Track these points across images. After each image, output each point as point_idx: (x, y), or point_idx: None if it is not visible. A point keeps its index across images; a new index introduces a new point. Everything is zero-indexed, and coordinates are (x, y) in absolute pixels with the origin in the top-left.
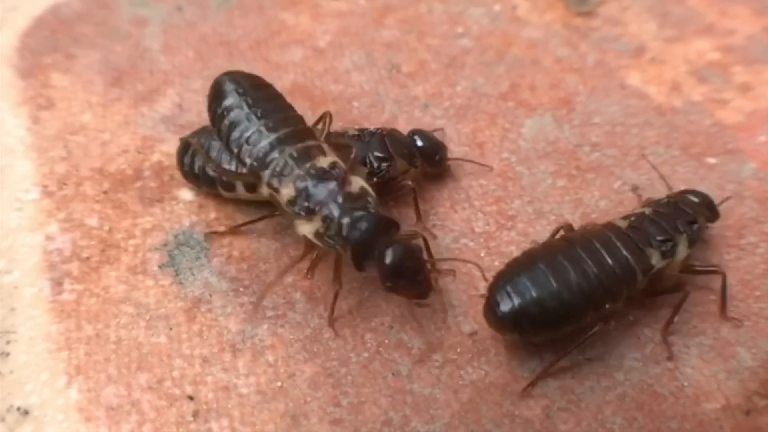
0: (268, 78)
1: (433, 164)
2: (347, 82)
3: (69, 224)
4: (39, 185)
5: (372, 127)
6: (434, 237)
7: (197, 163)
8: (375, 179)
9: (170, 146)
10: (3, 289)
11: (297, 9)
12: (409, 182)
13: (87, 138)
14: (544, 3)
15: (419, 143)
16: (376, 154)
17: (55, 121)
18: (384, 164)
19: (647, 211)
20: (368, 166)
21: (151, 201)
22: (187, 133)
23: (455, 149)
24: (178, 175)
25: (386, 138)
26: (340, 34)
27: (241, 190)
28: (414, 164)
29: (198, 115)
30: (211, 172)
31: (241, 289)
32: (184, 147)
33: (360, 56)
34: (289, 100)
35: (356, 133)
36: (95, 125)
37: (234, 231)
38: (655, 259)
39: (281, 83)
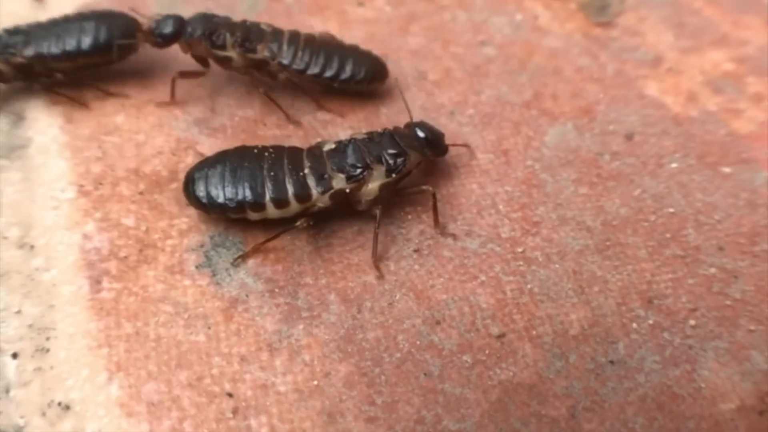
0: None
1: (438, 151)
2: (375, 89)
3: (106, 224)
4: (75, 184)
5: (379, 129)
6: (455, 238)
7: (206, 192)
8: (394, 175)
9: (204, 148)
10: (41, 286)
11: (324, 15)
12: (429, 188)
13: (122, 139)
14: (564, 13)
15: (422, 134)
16: (390, 151)
17: (89, 121)
18: (399, 159)
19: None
20: (385, 164)
21: (186, 202)
22: (219, 136)
23: (481, 156)
24: None
25: (395, 135)
26: (367, 40)
27: (271, 208)
28: (426, 154)
29: (230, 119)
30: (221, 200)
31: (277, 290)
32: (190, 178)
33: (387, 63)
34: (316, 105)
35: (366, 136)
36: (129, 126)
37: (258, 249)
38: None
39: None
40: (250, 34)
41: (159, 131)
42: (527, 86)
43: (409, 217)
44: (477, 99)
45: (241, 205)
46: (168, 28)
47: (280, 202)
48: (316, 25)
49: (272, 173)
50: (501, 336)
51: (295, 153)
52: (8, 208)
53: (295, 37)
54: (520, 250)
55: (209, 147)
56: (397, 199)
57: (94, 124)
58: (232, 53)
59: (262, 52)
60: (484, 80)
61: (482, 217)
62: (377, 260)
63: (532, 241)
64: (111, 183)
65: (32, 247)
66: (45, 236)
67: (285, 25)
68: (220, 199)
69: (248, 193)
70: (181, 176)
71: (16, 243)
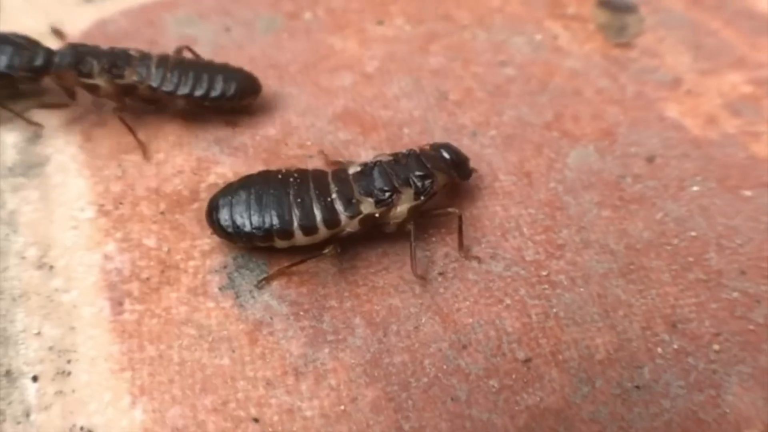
0: (319, 102)
1: (463, 174)
2: (397, 109)
3: (127, 244)
4: (95, 204)
5: (404, 149)
6: (479, 261)
7: (232, 220)
8: (423, 198)
9: (225, 168)
10: (61, 307)
11: (344, 34)
12: (456, 210)
13: (141, 158)
14: (583, 33)
15: (449, 156)
16: (418, 173)
17: (107, 140)
18: (427, 182)
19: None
20: (413, 186)
21: None
22: (240, 155)
23: (503, 178)
24: None
25: (421, 157)
26: (387, 59)
27: (299, 235)
28: (452, 176)
29: (251, 138)
30: (248, 229)
31: (302, 313)
32: (213, 206)
33: (408, 83)
34: (339, 125)
35: (391, 158)
36: (149, 145)
37: (283, 272)
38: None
39: (333, 108)
40: (117, 60)
41: (179, 150)
42: (548, 107)
43: (434, 239)
44: (498, 120)
45: (269, 234)
46: (37, 61)
47: (309, 229)
48: (336, 43)
49: (299, 199)
50: (527, 360)
51: (320, 177)
52: (26, 227)
53: (163, 60)
54: (544, 273)
55: (230, 166)
56: (422, 221)
57: (113, 142)
58: (99, 81)
59: (131, 77)
60: (505, 101)
61: (506, 240)
62: (419, 275)
63: (556, 264)
64: (131, 203)
65: (51, 267)
66: (64, 257)
67: (304, 44)
68: (247, 228)
69: (276, 221)
70: (203, 196)
71: (34, 263)
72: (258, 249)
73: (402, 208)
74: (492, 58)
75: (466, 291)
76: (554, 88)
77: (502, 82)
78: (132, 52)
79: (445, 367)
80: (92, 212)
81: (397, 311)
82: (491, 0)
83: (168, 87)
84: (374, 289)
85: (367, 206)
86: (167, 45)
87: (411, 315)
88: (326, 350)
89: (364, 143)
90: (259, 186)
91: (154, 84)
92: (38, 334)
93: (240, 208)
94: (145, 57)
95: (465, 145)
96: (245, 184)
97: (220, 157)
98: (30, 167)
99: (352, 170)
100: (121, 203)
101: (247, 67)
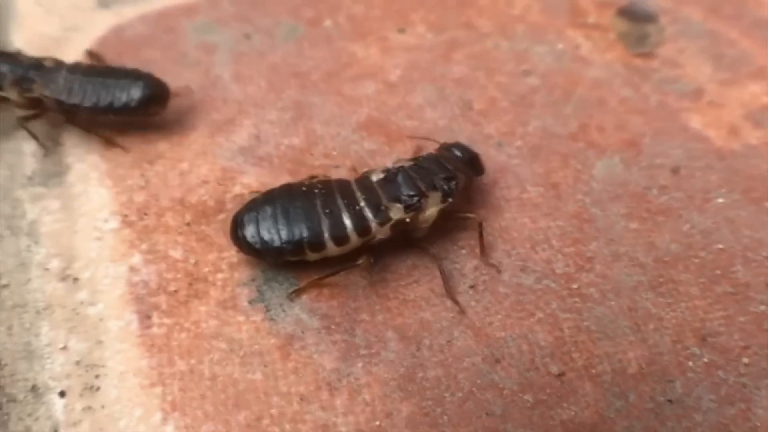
0: (343, 111)
1: (478, 170)
2: (421, 119)
3: (153, 256)
4: (118, 214)
5: (424, 152)
6: (498, 271)
7: (259, 236)
8: (450, 200)
9: (250, 179)
10: (87, 321)
11: (365, 42)
12: (475, 215)
13: (165, 167)
14: (604, 43)
15: (462, 154)
16: (442, 176)
17: (129, 148)
18: (452, 183)
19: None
20: (440, 189)
21: None
22: (265, 165)
23: (531, 190)
24: None
25: (442, 159)
26: (410, 68)
27: (331, 246)
28: (470, 175)
29: (275, 148)
30: (278, 244)
31: (333, 327)
32: (238, 222)
33: (431, 92)
34: (364, 134)
35: (412, 162)
36: (172, 154)
37: (315, 284)
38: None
39: (357, 117)
40: (28, 72)
41: (203, 159)
42: (572, 117)
43: (463, 251)
44: (524, 130)
45: (300, 247)
46: None
47: (340, 238)
48: (357, 51)
49: (327, 210)
50: (561, 375)
51: (344, 186)
52: (48, 238)
53: (74, 69)
54: (575, 286)
55: (256, 176)
56: (444, 224)
57: (135, 150)
58: (10, 93)
59: (39, 90)
60: (530, 111)
61: (536, 252)
62: (452, 294)
63: (586, 277)
64: (156, 213)
65: (76, 279)
66: (89, 268)
67: (326, 51)
68: (276, 243)
69: (306, 234)
70: (229, 207)
71: (58, 275)
72: (286, 263)
73: (431, 211)
74: (515, 67)
75: (498, 304)
76: (578, 98)
77: (526, 91)
78: (46, 63)
79: (479, 381)
80: (116, 223)
81: (429, 325)
82: (512, 8)
83: (73, 100)
84: (405, 302)
85: (396, 212)
86: (187, 52)
87: (443, 329)
88: (359, 365)
89: (390, 153)
90: (284, 199)
91: (61, 97)
92: (64, 348)
93: (267, 223)
94: (56, 69)
95: (491, 156)
96: (269, 198)
97: (245, 167)
98: (50, 176)
99: (375, 177)
100: (145, 214)
101: (269, 76)
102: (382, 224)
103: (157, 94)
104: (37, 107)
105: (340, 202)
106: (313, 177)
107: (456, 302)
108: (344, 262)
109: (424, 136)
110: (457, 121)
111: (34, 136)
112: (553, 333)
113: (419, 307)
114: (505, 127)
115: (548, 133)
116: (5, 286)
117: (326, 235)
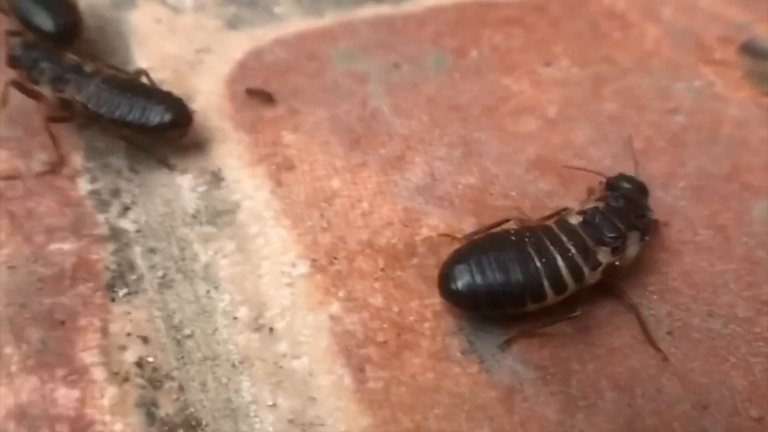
0: (510, 149)
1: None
2: (588, 157)
3: (352, 304)
4: (306, 258)
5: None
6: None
7: (476, 290)
8: (647, 239)
9: (435, 220)
10: (295, 375)
11: (515, 75)
12: (630, 299)
13: (344, 207)
14: (734, 81)
15: (637, 187)
16: (636, 215)
17: (301, 186)
18: (645, 221)
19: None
20: (638, 229)
21: (434, 280)
22: (446, 206)
23: (702, 232)
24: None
25: (629, 196)
26: (564, 104)
27: (551, 295)
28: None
29: (453, 187)
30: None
31: (549, 377)
32: (451, 278)
33: (591, 130)
34: (537, 174)
35: (603, 203)
36: (348, 192)
37: (527, 334)
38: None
39: (525, 155)
40: (67, 72)
41: (382, 199)
42: (723, 157)
43: (655, 297)
44: (683, 170)
45: (521, 299)
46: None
47: (560, 287)
48: (511, 85)
49: (543, 259)
50: (760, 419)
51: (550, 232)
52: (229, 283)
53: (109, 80)
54: (757, 330)
55: (440, 218)
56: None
57: (308, 188)
58: (45, 89)
59: (71, 92)
60: (684, 150)
61: (718, 297)
62: (654, 343)
63: (766, 320)
64: (346, 257)
65: (272, 329)
66: (284, 317)
67: (479, 84)
68: (496, 297)
69: (527, 285)
70: (420, 250)
71: (249, 325)
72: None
73: (630, 252)
74: (661, 105)
75: (695, 350)
76: (724, 138)
77: (677, 130)
78: (85, 66)
79: (691, 428)
80: (305, 268)
81: (637, 373)
82: (645, 42)
83: (99, 108)
84: (612, 350)
85: (604, 255)
86: (337, 80)
87: (651, 377)
88: (580, 416)
89: (565, 194)
90: (495, 250)
91: (90, 104)
92: (273, 405)
93: (483, 276)
94: (93, 72)
95: (658, 197)
96: (478, 250)
97: (427, 208)
98: (218, 215)
99: (574, 221)
100: (335, 258)
101: (428, 109)
102: (593, 269)
103: (176, 120)
104: (67, 109)
105: (551, 249)
106: (504, 221)
107: (659, 350)
108: (547, 311)
109: (590, 169)
110: (619, 160)
111: (53, 137)
112: (747, 377)
113: (626, 355)
114: (665, 168)
115: (705, 174)
116: (189, 336)
117: (546, 284)
